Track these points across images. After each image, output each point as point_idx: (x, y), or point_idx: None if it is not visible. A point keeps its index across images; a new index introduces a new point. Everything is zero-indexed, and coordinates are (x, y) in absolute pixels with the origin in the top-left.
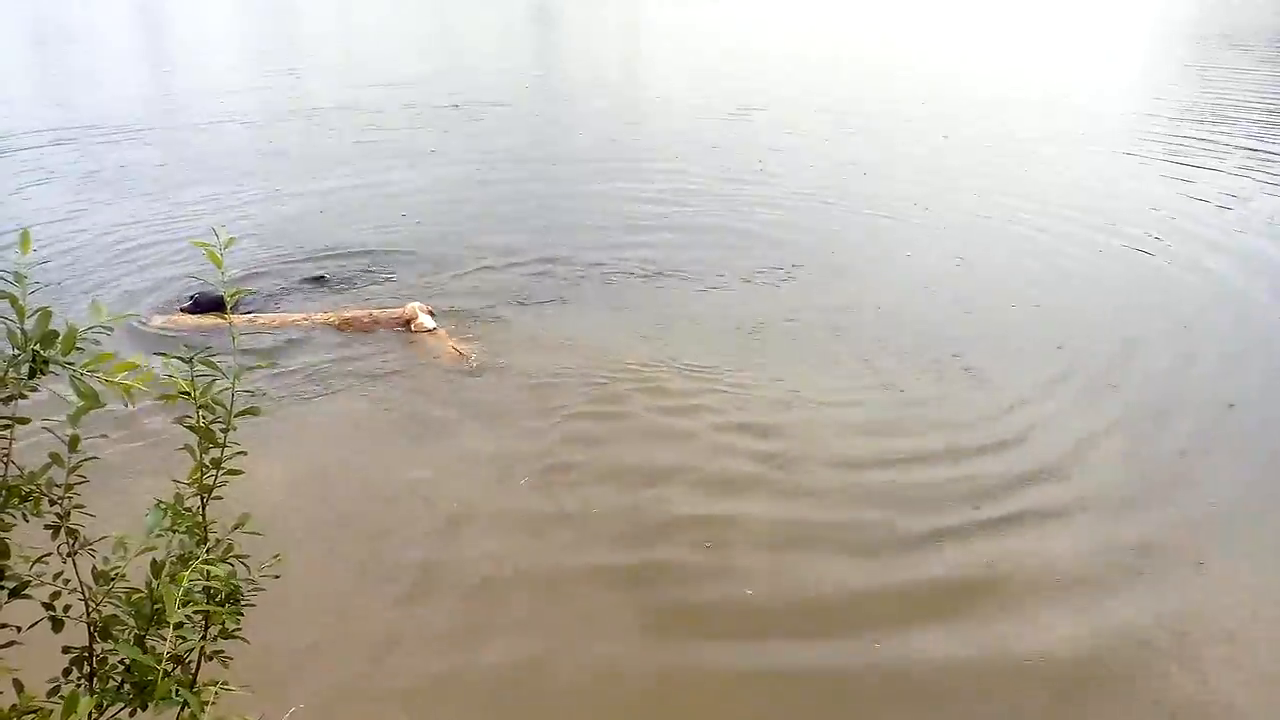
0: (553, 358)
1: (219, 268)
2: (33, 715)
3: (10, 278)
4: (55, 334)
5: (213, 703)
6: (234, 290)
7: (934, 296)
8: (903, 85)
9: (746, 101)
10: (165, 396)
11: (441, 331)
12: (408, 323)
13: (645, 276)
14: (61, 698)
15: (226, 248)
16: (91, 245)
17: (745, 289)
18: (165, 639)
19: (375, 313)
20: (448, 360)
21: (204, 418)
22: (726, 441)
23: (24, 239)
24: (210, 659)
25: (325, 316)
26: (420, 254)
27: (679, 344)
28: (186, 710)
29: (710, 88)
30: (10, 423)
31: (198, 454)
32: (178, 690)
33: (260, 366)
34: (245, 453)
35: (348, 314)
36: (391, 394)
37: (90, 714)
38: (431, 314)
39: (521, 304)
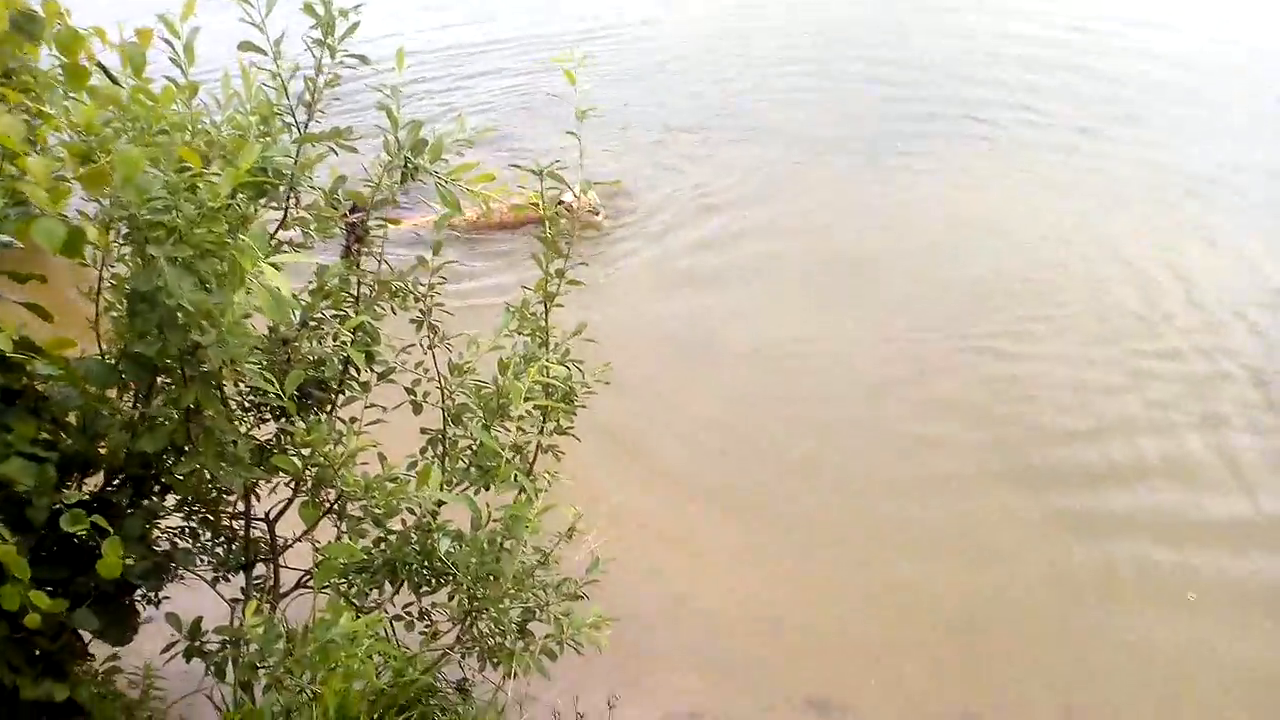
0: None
1: (571, 83)
2: (394, 483)
3: (387, 92)
4: (425, 142)
5: (545, 490)
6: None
7: None
8: None
9: None
10: (516, 207)
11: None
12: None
13: None
14: (417, 473)
15: (581, 64)
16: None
17: None
18: (508, 430)
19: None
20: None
21: (551, 230)
22: None
23: (399, 57)
24: (545, 452)
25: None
26: None
27: None
28: (522, 495)
29: None
30: (384, 224)
31: (544, 264)
32: (516, 476)
33: (609, 185)
34: (586, 264)
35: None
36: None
37: (440, 487)
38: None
39: None
